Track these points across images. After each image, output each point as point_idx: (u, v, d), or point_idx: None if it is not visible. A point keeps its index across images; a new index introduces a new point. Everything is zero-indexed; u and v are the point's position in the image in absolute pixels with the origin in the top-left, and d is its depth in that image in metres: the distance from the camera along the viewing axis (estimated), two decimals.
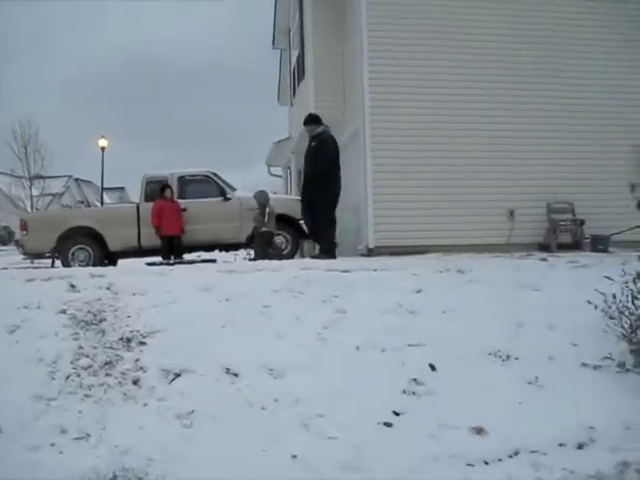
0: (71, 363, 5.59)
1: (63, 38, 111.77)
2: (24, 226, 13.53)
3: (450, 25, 13.04)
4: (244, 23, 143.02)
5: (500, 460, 4.69)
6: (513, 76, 13.08)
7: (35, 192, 44.68)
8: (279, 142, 20.33)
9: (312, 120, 11.54)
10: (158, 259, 12.94)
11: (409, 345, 6.04)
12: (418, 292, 7.22)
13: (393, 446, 4.75)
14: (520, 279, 7.69)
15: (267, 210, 12.60)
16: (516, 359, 5.94)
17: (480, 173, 12.69)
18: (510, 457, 4.72)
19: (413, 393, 5.42)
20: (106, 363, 5.62)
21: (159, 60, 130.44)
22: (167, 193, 13.25)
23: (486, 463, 4.64)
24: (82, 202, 58.68)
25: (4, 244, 45.28)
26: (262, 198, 12.78)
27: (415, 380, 5.56)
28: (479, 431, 4.95)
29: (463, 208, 12.56)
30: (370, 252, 12.18)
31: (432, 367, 5.77)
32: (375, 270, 8.18)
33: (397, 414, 5.14)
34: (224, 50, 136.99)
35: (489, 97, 12.96)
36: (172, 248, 13.08)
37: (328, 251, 10.91)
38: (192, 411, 5.01)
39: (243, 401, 5.17)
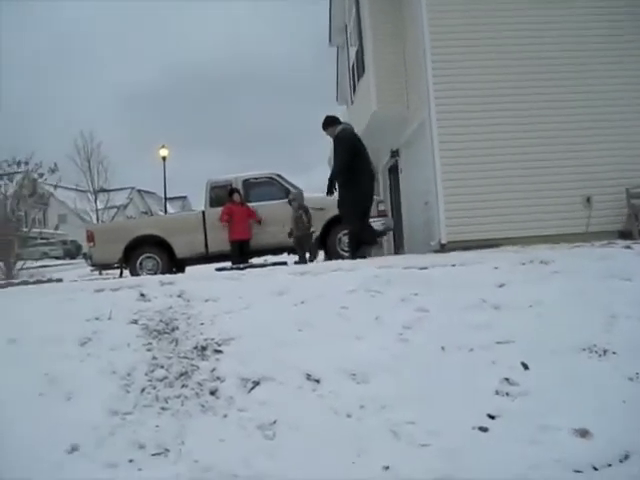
0: (145, 375, 5.37)
1: (120, 50, 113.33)
2: (91, 237, 13.57)
3: (516, 13, 12.71)
4: (299, 23, 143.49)
5: (610, 465, 4.26)
6: (585, 57, 12.71)
7: (99, 205, 45.28)
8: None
9: (329, 123, 11.21)
10: (227, 264, 12.76)
11: (497, 343, 5.67)
12: (501, 286, 6.81)
13: (491, 452, 4.39)
14: (607, 269, 7.21)
15: (301, 211, 12.42)
16: (613, 354, 5.47)
17: (553, 160, 12.33)
18: (620, 461, 4.29)
19: (507, 394, 5.04)
20: (182, 374, 5.38)
21: (214, 67, 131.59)
22: (236, 197, 13.17)
23: (595, 469, 4.23)
24: (146, 213, 59.52)
25: (72, 257, 46.06)
26: (300, 198, 12.59)
27: (507, 380, 5.18)
28: (583, 433, 4.54)
29: (537, 198, 12.20)
30: (443, 247, 11.90)
31: (524, 365, 5.38)
32: (454, 265, 7.82)
33: (492, 417, 4.77)
34: (279, 52, 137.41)
35: (559, 80, 12.62)
36: (241, 253, 12.92)
37: (370, 242, 10.88)
38: (274, 421, 4.72)
39: (327, 409, 4.87)
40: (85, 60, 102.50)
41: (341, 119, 11.94)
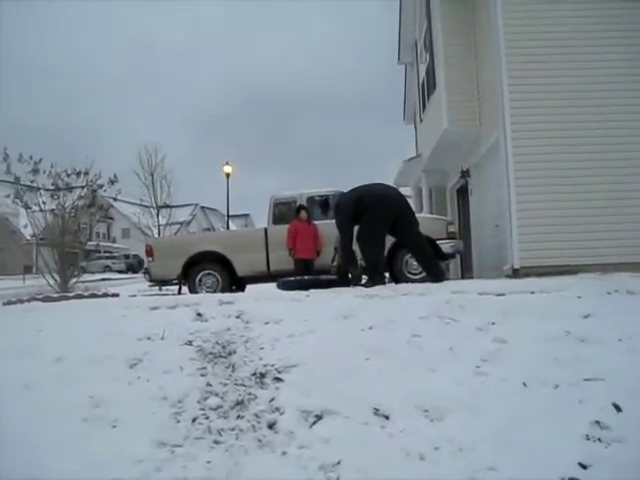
0: (198, 403, 4.93)
1: (189, 68, 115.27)
2: (150, 252, 13.39)
3: (594, 35, 12.22)
4: (366, 40, 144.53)
5: None
6: None
7: (162, 220, 45.53)
8: (409, 160, 19.85)
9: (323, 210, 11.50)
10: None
11: (585, 380, 5.10)
12: (586, 317, 6.26)
13: None
14: None
15: None
16: None
17: (632, 184, 11.79)
18: None
19: (599, 440, 4.46)
20: (237, 403, 4.94)
21: (279, 85, 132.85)
22: (303, 215, 12.78)
23: None
24: (208, 229, 59.92)
25: (135, 272, 46.51)
26: None
27: (598, 423, 4.60)
28: None
29: (616, 223, 11.62)
30: (515, 273, 11.38)
31: (616, 407, 4.80)
32: (532, 292, 7.30)
33: (584, 467, 4.20)
34: (347, 71, 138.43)
35: (635, 99, 12.03)
36: (307, 272, 12.53)
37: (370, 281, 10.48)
38: (338, 462, 4.21)
39: (398, 449, 4.35)
40: (155, 76, 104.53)
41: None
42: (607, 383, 5.05)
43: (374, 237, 10.43)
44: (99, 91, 75.85)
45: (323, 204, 12.19)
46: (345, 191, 11.35)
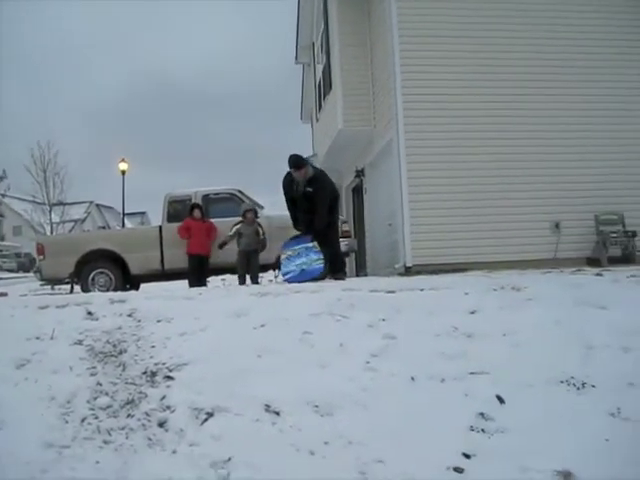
0: (87, 402, 4.86)
1: (84, 59, 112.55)
2: (41, 250, 13.07)
3: (486, 28, 12.60)
4: (263, 39, 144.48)
5: None
6: (554, 81, 12.62)
7: (56, 218, 44.41)
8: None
9: (301, 164, 10.68)
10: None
11: (470, 373, 5.29)
12: (473, 313, 6.44)
13: None
14: (581, 296, 6.88)
15: (256, 225, 12.09)
16: (592, 387, 5.14)
17: (521, 184, 12.19)
18: None
19: (482, 430, 4.64)
20: (128, 402, 4.89)
21: (177, 82, 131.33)
22: (196, 213, 12.73)
23: None
24: (103, 227, 58.80)
25: (26, 271, 45.17)
26: (255, 211, 12.30)
27: (482, 415, 4.79)
28: (567, 476, 4.16)
29: (505, 222, 12.02)
30: (408, 271, 11.58)
31: (500, 399, 5.00)
32: (422, 290, 7.46)
33: (467, 456, 4.37)
34: (243, 69, 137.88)
35: (529, 104, 12.51)
36: (200, 269, 12.46)
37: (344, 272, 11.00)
38: (229, 458, 4.24)
39: (288, 445, 4.41)
40: (48, 71, 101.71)
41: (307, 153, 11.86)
42: (491, 376, 5.26)
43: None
44: None
45: None
46: (313, 162, 11.57)
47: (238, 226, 11.88)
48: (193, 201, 13.10)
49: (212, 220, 12.87)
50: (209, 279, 13.41)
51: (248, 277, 11.79)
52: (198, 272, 12.53)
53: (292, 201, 10.82)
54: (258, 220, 12.13)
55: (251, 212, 11.98)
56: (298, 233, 10.73)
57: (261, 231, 11.98)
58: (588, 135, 12.45)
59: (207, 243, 12.65)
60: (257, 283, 11.71)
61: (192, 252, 12.55)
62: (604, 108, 12.55)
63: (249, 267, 11.84)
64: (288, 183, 10.76)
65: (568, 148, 12.37)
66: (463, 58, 12.45)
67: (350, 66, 14.86)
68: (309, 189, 10.51)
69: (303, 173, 10.51)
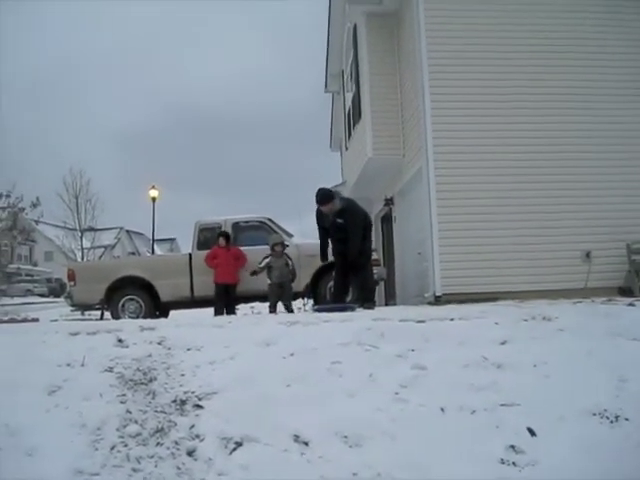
0: (117, 430, 4.87)
1: (113, 88, 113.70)
2: (72, 276, 13.15)
3: (518, 57, 12.63)
4: (294, 68, 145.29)
5: None
6: (585, 109, 12.53)
7: (87, 244, 44.79)
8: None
9: (329, 199, 10.76)
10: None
11: (501, 405, 5.24)
12: (503, 343, 6.40)
13: None
14: (613, 327, 6.81)
15: (285, 257, 12.12)
16: (626, 420, 5.06)
17: (552, 214, 12.11)
18: None
19: (514, 464, 4.59)
20: (157, 430, 4.89)
21: (208, 109, 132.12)
22: (221, 242, 12.76)
23: None
24: (133, 253, 59.14)
25: (57, 296, 45.52)
26: (283, 243, 12.28)
27: (513, 447, 4.74)
28: None
29: (535, 251, 11.95)
30: (437, 300, 11.51)
31: (531, 431, 4.94)
32: (452, 319, 7.42)
33: None
34: (275, 97, 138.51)
35: (560, 132, 12.46)
36: (227, 297, 12.48)
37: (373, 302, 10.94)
38: None
39: (317, 475, 4.39)
40: (79, 96, 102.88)
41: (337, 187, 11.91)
42: (522, 408, 5.19)
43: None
44: (17, 108, 73.89)
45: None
46: (340, 193, 11.62)
47: (268, 260, 11.92)
48: (223, 229, 13.16)
49: (242, 248, 12.87)
50: (238, 307, 13.40)
51: (279, 304, 11.82)
52: (224, 300, 12.56)
53: (325, 230, 10.87)
54: (286, 251, 12.12)
55: (279, 245, 11.99)
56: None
57: (290, 263, 11.98)
58: (619, 164, 12.36)
59: (234, 271, 12.68)
60: (291, 311, 11.72)
61: (218, 281, 12.57)
62: (635, 137, 12.52)
63: (282, 297, 11.90)
64: (319, 215, 10.84)
65: (599, 176, 12.27)
66: (493, 87, 12.45)
67: (379, 95, 14.89)
68: (340, 220, 10.54)
69: (330, 207, 10.57)
